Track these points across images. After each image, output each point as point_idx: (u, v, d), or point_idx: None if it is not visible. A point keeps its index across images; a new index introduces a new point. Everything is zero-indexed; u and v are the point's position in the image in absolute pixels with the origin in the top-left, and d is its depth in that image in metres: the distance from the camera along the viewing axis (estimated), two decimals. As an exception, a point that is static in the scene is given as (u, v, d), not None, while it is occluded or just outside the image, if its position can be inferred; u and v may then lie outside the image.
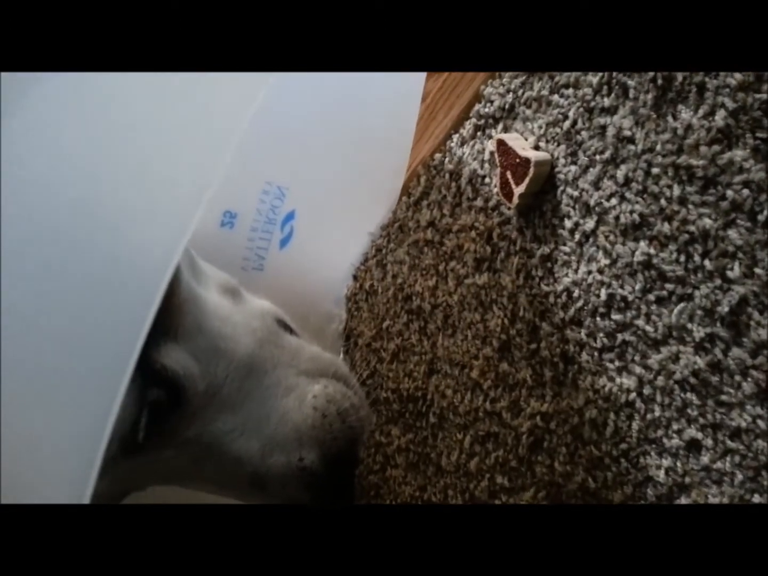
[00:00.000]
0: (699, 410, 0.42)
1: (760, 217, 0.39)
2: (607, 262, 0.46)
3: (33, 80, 0.34)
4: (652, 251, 0.44)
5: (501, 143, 0.53)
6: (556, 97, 0.50)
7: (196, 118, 0.36)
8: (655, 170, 0.44)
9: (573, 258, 0.49)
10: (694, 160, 0.42)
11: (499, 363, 0.54)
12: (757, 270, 0.39)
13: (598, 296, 0.47)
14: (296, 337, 0.52)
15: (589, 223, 0.48)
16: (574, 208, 0.49)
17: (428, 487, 0.59)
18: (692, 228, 0.42)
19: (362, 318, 0.68)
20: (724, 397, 0.40)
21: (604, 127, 0.47)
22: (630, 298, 0.45)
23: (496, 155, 0.54)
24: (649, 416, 0.44)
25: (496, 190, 0.55)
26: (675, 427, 0.43)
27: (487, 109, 0.57)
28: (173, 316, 0.42)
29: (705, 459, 0.41)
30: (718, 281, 0.41)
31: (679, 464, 0.42)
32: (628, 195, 0.45)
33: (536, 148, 0.52)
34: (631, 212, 0.45)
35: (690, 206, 0.42)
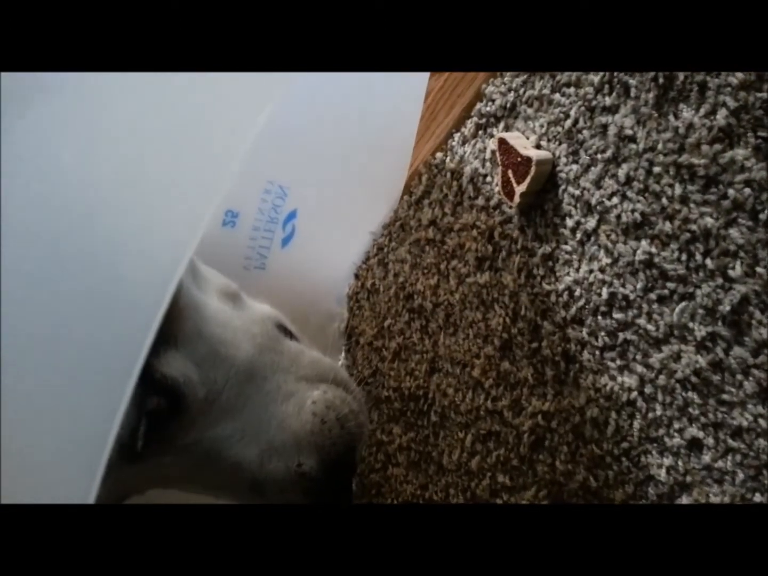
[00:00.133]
0: (700, 409, 0.42)
1: (762, 216, 0.39)
2: (609, 260, 0.46)
3: (34, 91, 0.34)
4: (653, 250, 0.44)
5: (502, 142, 0.53)
6: (557, 95, 0.50)
7: (202, 126, 0.36)
8: (656, 169, 0.44)
9: (574, 257, 0.49)
10: (696, 159, 0.41)
11: (500, 362, 0.54)
12: (759, 269, 0.39)
13: (600, 295, 0.47)
14: (296, 342, 0.52)
15: (591, 222, 0.48)
16: (575, 206, 0.49)
17: (429, 486, 0.59)
18: (694, 227, 0.42)
19: (364, 317, 0.69)
20: (725, 396, 0.40)
21: (605, 126, 0.47)
22: (631, 296, 0.45)
23: (497, 154, 0.54)
24: (650, 415, 0.44)
25: (497, 188, 0.55)
26: (676, 425, 0.43)
27: (488, 108, 0.57)
28: (174, 323, 0.42)
29: (706, 458, 0.41)
30: (719, 280, 0.41)
31: (680, 463, 0.42)
32: (629, 194, 0.45)
33: (538, 146, 0.52)
34: (633, 211, 0.45)
35: (691, 205, 0.42)
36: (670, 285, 0.43)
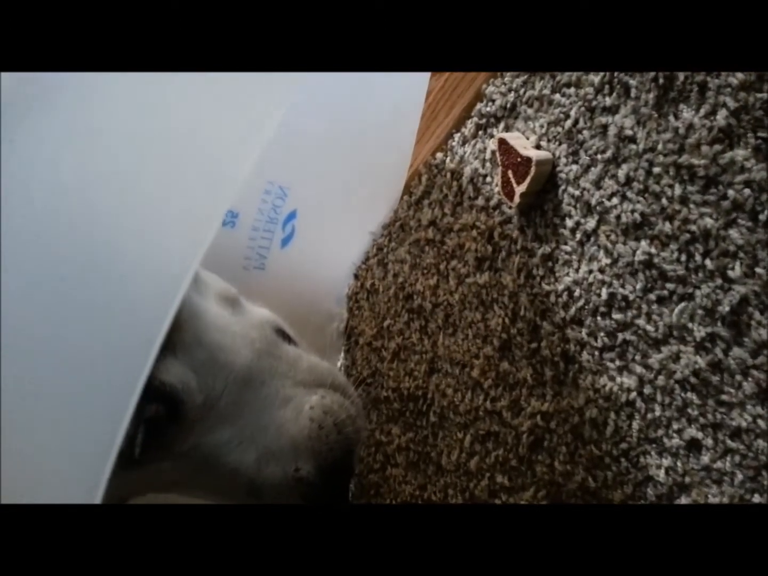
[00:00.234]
0: (699, 410, 0.42)
1: (762, 217, 0.39)
2: (608, 261, 0.46)
3: (34, 98, 0.34)
4: (653, 250, 0.44)
5: (502, 142, 0.53)
6: (557, 96, 0.50)
7: (207, 134, 0.36)
8: (656, 169, 0.44)
9: (574, 257, 0.49)
10: (696, 160, 0.41)
11: (499, 362, 0.54)
12: (758, 270, 0.39)
13: (599, 295, 0.47)
14: (294, 347, 0.52)
15: (591, 223, 0.48)
16: (575, 207, 0.49)
17: (428, 486, 0.59)
18: (693, 227, 0.42)
19: (363, 317, 0.69)
20: (724, 397, 0.40)
21: (605, 127, 0.47)
22: (631, 297, 0.45)
23: (497, 154, 0.54)
24: (649, 416, 0.44)
25: (497, 189, 0.55)
26: (675, 426, 0.43)
27: (488, 108, 0.57)
28: (173, 330, 0.42)
29: (705, 459, 0.41)
30: (719, 281, 0.41)
31: (679, 464, 0.42)
32: (629, 194, 0.45)
33: (538, 147, 0.52)
34: (633, 211, 0.45)
35: (691, 206, 0.42)
36: (670, 285, 0.43)
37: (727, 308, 0.40)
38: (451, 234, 0.59)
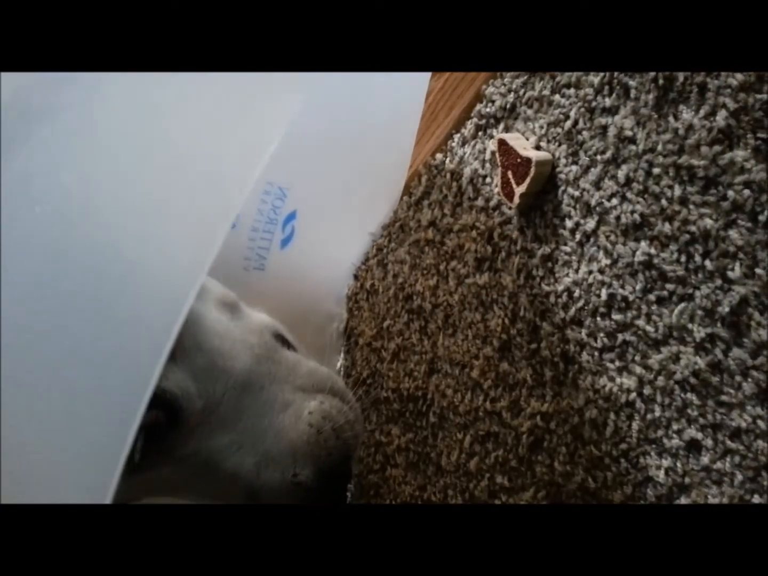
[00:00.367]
0: (699, 410, 0.42)
1: (761, 218, 0.39)
2: (608, 262, 0.46)
3: (38, 112, 0.34)
4: (652, 251, 0.44)
5: (502, 143, 0.53)
6: (557, 97, 0.50)
7: (213, 143, 0.36)
8: (656, 170, 0.44)
9: (574, 258, 0.49)
10: (695, 161, 0.41)
11: (499, 363, 0.54)
12: (758, 270, 0.39)
13: (599, 296, 0.47)
14: (293, 352, 0.52)
15: (590, 223, 0.48)
16: (575, 208, 0.49)
17: (428, 487, 0.59)
18: (693, 228, 0.42)
19: (363, 317, 0.69)
20: (724, 398, 0.40)
21: (605, 127, 0.47)
22: (631, 298, 0.45)
23: (497, 155, 0.54)
24: (649, 416, 0.44)
25: (497, 189, 0.55)
26: (675, 427, 0.43)
27: (488, 109, 0.57)
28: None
29: (705, 459, 0.41)
30: (718, 281, 0.41)
31: (679, 464, 0.42)
32: (629, 195, 0.45)
33: (537, 147, 0.52)
34: (632, 212, 0.45)
35: (691, 206, 0.42)
36: (669, 286, 0.43)
37: (727, 309, 0.40)
38: (450, 234, 0.59)
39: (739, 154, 0.40)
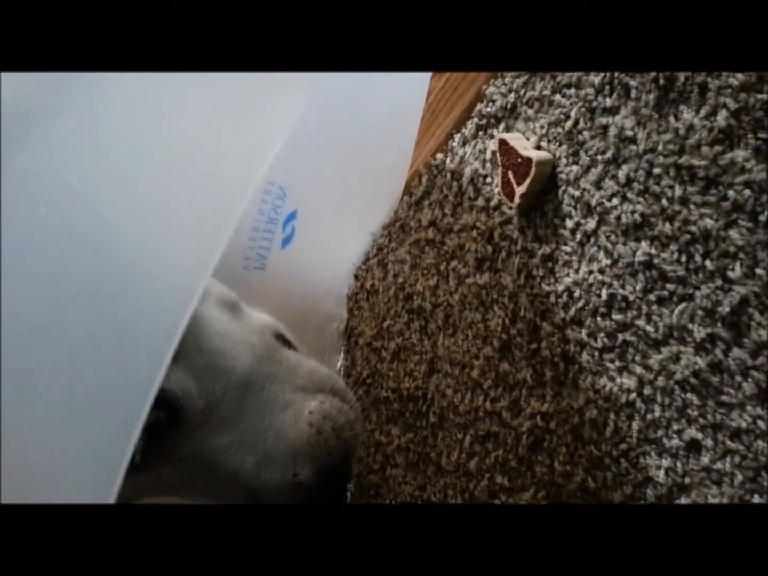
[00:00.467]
0: (699, 411, 0.41)
1: (762, 218, 0.39)
2: (608, 262, 0.46)
3: (40, 113, 0.34)
4: (653, 251, 0.44)
5: (503, 143, 0.53)
6: (558, 96, 0.50)
7: (216, 145, 0.35)
8: (656, 170, 0.44)
9: (574, 258, 0.49)
10: (696, 161, 0.41)
11: (499, 363, 0.54)
12: (758, 270, 0.39)
13: (599, 296, 0.47)
14: (294, 352, 0.52)
15: (591, 223, 0.48)
16: (575, 207, 0.49)
17: (428, 487, 0.59)
18: (693, 228, 0.42)
19: (363, 317, 0.68)
20: (724, 398, 0.40)
21: (605, 127, 0.47)
22: (631, 298, 0.45)
23: (497, 155, 0.54)
24: (649, 416, 0.44)
25: (497, 189, 0.55)
26: (675, 427, 0.43)
27: (489, 109, 0.57)
28: None
29: (705, 459, 0.41)
30: (719, 281, 0.41)
31: (679, 465, 0.42)
32: (629, 195, 0.45)
33: (538, 147, 0.52)
34: (633, 212, 0.45)
35: (691, 206, 0.42)
36: (670, 286, 0.43)
37: (727, 309, 0.40)
38: (451, 234, 0.59)
39: (740, 154, 0.40)
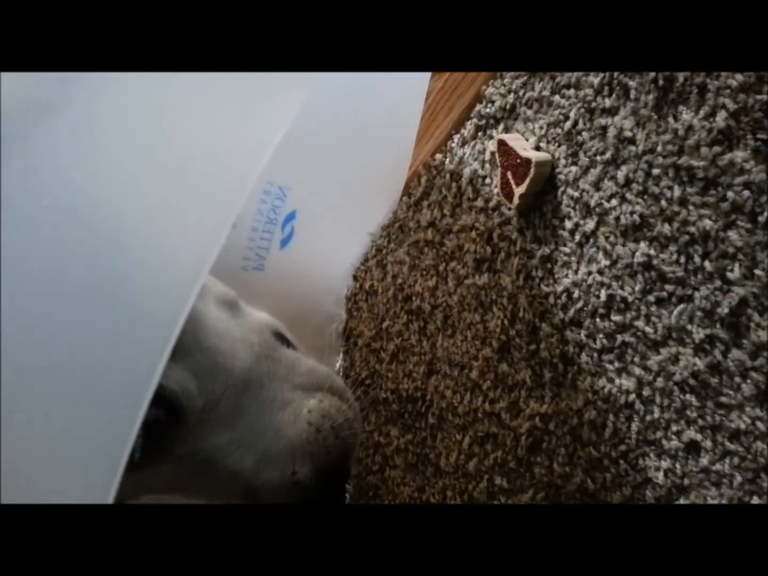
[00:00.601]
0: (698, 412, 0.41)
1: (761, 219, 0.39)
2: (607, 263, 0.46)
3: (42, 109, 0.34)
4: (652, 252, 0.44)
5: (502, 143, 0.53)
6: (557, 97, 0.50)
7: (217, 142, 0.35)
8: (655, 171, 0.44)
9: (573, 259, 0.49)
10: (695, 161, 0.41)
11: (498, 364, 0.54)
12: (757, 271, 0.39)
13: (598, 297, 0.47)
14: (293, 350, 0.52)
15: (590, 224, 0.48)
16: (574, 208, 0.49)
17: (427, 488, 0.59)
18: (692, 229, 0.42)
19: (362, 318, 0.68)
20: (723, 399, 0.40)
21: (605, 128, 0.47)
22: (630, 299, 0.45)
23: (496, 155, 0.54)
24: (648, 418, 0.44)
25: (496, 190, 0.55)
26: (674, 428, 0.43)
27: (488, 110, 0.57)
28: None
29: (704, 461, 0.41)
30: (718, 282, 0.41)
31: (678, 466, 0.42)
32: (628, 196, 0.45)
33: (537, 148, 0.52)
34: (632, 213, 0.45)
35: (690, 207, 0.42)
36: (669, 287, 0.43)
37: (726, 310, 0.40)
38: (450, 235, 0.59)
39: (739, 155, 0.40)
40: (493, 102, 0.56)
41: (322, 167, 0.66)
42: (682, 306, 0.42)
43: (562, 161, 0.50)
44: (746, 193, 0.39)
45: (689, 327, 0.42)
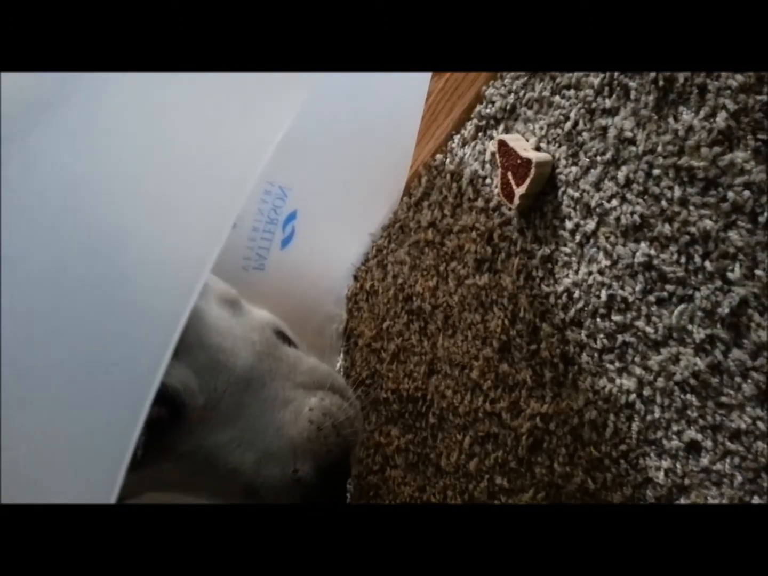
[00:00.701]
0: (699, 412, 0.41)
1: (761, 219, 0.39)
2: (608, 263, 0.46)
3: (43, 104, 0.34)
4: (652, 252, 0.44)
5: (502, 144, 0.53)
6: (557, 98, 0.50)
7: (219, 139, 0.36)
8: (656, 171, 0.44)
9: (573, 259, 0.49)
10: (695, 162, 0.41)
11: (499, 364, 0.54)
12: (758, 272, 0.39)
13: (599, 297, 0.47)
14: (294, 349, 0.53)
15: (590, 224, 0.48)
16: (574, 209, 0.49)
17: (427, 488, 0.59)
18: (693, 229, 0.42)
19: (363, 318, 0.68)
20: (724, 399, 0.40)
21: (605, 129, 0.47)
22: (630, 299, 0.45)
23: (497, 156, 0.54)
24: (648, 417, 0.44)
25: (497, 190, 0.55)
26: (675, 428, 0.43)
27: (488, 110, 0.57)
28: None
29: (705, 460, 0.41)
30: (718, 282, 0.41)
31: (678, 466, 0.42)
32: (629, 196, 0.45)
33: (537, 149, 0.52)
34: (632, 213, 0.45)
35: (691, 207, 0.42)
36: (669, 287, 0.43)
37: (727, 310, 0.40)
38: (450, 235, 0.59)
39: (739, 155, 0.40)
40: (493, 102, 0.56)
41: (322, 167, 0.66)
42: (682, 306, 0.42)
43: (563, 162, 0.50)
44: (747, 193, 0.39)
45: (690, 327, 0.42)
